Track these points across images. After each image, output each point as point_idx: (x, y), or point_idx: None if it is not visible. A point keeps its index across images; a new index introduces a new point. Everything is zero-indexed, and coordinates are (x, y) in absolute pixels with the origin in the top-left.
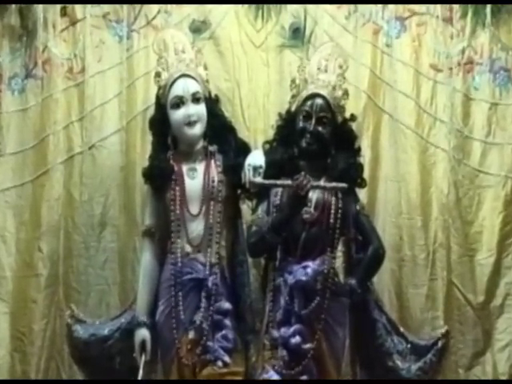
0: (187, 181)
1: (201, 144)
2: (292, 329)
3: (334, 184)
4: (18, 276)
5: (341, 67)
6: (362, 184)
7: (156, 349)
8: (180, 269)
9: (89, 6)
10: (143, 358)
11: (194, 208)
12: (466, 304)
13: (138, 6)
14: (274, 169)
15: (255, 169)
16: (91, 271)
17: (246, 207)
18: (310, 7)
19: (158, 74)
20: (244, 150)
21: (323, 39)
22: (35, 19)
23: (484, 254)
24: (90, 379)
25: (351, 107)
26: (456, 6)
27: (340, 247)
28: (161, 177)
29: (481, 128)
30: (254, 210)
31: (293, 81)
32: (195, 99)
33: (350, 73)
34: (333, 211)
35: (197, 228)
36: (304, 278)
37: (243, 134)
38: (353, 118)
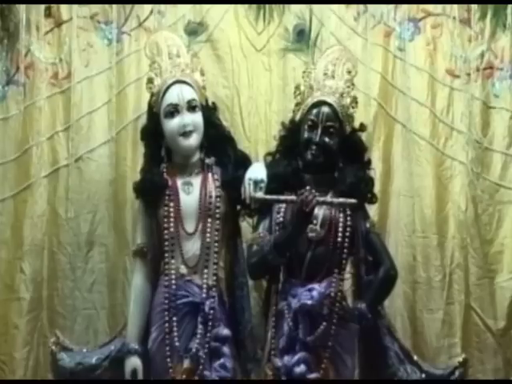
0: (182, 196)
1: (197, 156)
2: (296, 357)
3: (341, 200)
4: None
5: (349, 72)
6: (372, 199)
7: (148, 379)
8: (174, 292)
9: (75, 6)
10: None
11: (190, 226)
12: (486, 330)
13: (128, 7)
14: (276, 183)
15: (256, 183)
16: (78, 294)
17: (246, 225)
18: (316, 7)
19: (150, 80)
20: (244, 162)
21: (330, 42)
22: (17, 20)
23: (505, 276)
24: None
25: (361, 116)
26: (474, 7)
27: (348, 268)
28: (153, 192)
29: (501, 139)
30: (254, 228)
31: (297, 87)
32: (191, 107)
33: (359, 79)
34: (341, 229)
35: (193, 247)
36: (309, 302)
37: (243, 145)
38: (362, 127)
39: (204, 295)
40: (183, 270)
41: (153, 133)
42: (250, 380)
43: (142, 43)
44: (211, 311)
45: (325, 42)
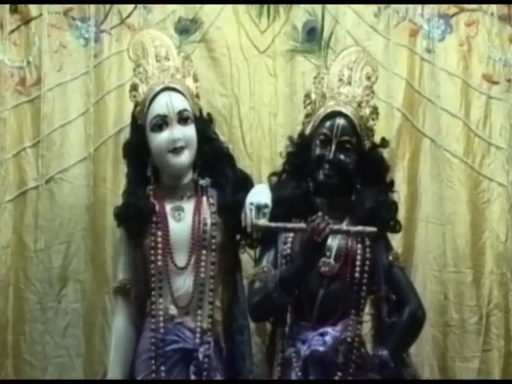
0: (172, 223)
1: (189, 176)
2: None
3: (360, 228)
4: None
5: (369, 78)
6: (395, 228)
7: None
8: (163, 336)
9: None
10: None
11: (181, 258)
12: None
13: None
14: (282, 208)
15: (259, 208)
16: (49, 339)
17: (247, 257)
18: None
19: (134, 87)
20: (245, 184)
21: (346, 42)
22: None
23: None
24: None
25: (382, 129)
26: None
27: (367, 309)
28: (138, 218)
29: None
30: (257, 262)
31: (307, 95)
32: (182, 119)
33: (380, 85)
34: (358, 262)
35: (184, 284)
36: (321, 349)
37: (244, 163)
38: (384, 143)
39: (197, 340)
40: (173, 310)
41: (137, 149)
42: (250, 380)
43: (125, 43)
44: (206, 359)
45: (340, 43)
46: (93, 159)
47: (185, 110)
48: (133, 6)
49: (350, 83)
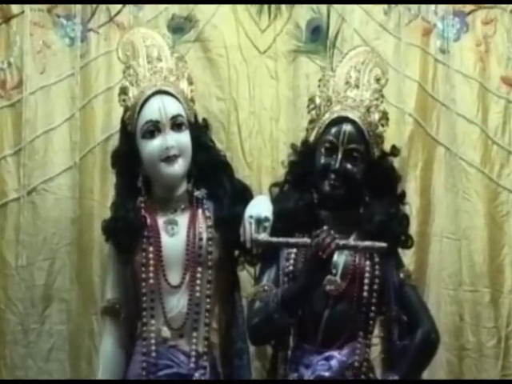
0: (165, 238)
1: (183, 187)
2: None
3: (368, 243)
4: None
5: (378, 81)
6: (407, 243)
7: None
8: (155, 361)
9: None
10: None
11: (174, 276)
12: None
13: None
14: (285, 222)
15: (259, 222)
16: (31, 363)
17: (246, 275)
18: None
19: (124, 91)
20: (243, 195)
21: (354, 42)
22: None
23: None
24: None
25: (393, 136)
26: None
27: (377, 331)
28: (128, 233)
29: None
30: (257, 280)
31: (311, 100)
32: (176, 125)
33: (390, 88)
34: (367, 281)
35: (178, 304)
36: (327, 374)
37: (243, 173)
38: (395, 151)
39: (192, 365)
40: (166, 332)
41: (127, 158)
42: (250, 380)
43: (114, 43)
44: None
45: (347, 42)
46: (79, 168)
47: (179, 115)
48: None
49: (357, 86)
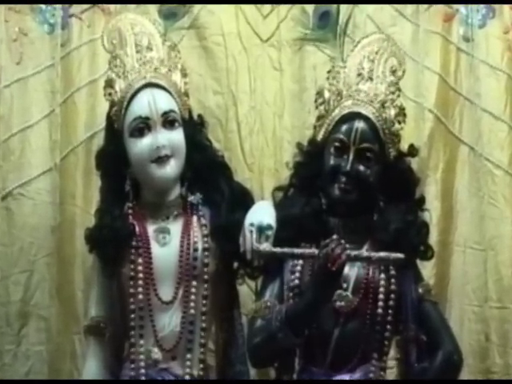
0: (155, 249)
1: (176, 192)
2: None
3: (383, 254)
4: None
5: (394, 72)
6: (426, 254)
7: None
8: None
9: None
10: None
11: (166, 291)
12: None
13: None
14: (290, 230)
15: (261, 230)
16: None
17: (246, 290)
18: None
19: (109, 83)
20: (244, 200)
21: (367, 29)
22: None
23: None
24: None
25: (410, 134)
26: None
27: (393, 352)
28: (114, 242)
29: None
30: (258, 295)
31: (319, 93)
32: (168, 122)
33: (408, 81)
34: (382, 296)
35: (170, 322)
36: None
37: (243, 175)
38: (413, 151)
39: None
40: (156, 354)
41: (113, 158)
42: (250, 380)
43: (99, 30)
44: None
45: (359, 29)
46: (59, 171)
47: (171, 111)
48: None
49: (371, 78)
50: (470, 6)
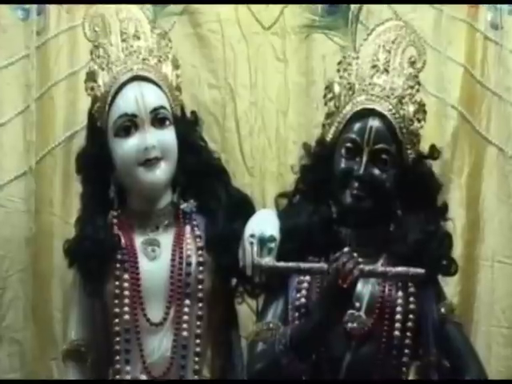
0: (144, 263)
1: (167, 199)
2: None
3: (400, 269)
4: None
5: (413, 64)
6: (449, 269)
7: None
8: None
9: None
10: None
11: (156, 311)
12: None
13: None
14: (295, 242)
15: (263, 242)
16: None
17: (246, 310)
18: None
19: (92, 76)
20: (243, 208)
21: (382, 16)
22: None
23: None
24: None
25: (431, 134)
26: None
27: (412, 378)
28: (97, 256)
29: None
30: (260, 316)
31: (329, 88)
32: (157, 120)
33: (429, 74)
34: (399, 317)
35: (160, 346)
36: None
37: (242, 180)
38: (434, 152)
39: None
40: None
41: (96, 161)
42: (250, 380)
43: (80, 16)
44: None
45: (373, 16)
46: (35, 175)
47: (161, 107)
48: None
49: (387, 71)
50: None
